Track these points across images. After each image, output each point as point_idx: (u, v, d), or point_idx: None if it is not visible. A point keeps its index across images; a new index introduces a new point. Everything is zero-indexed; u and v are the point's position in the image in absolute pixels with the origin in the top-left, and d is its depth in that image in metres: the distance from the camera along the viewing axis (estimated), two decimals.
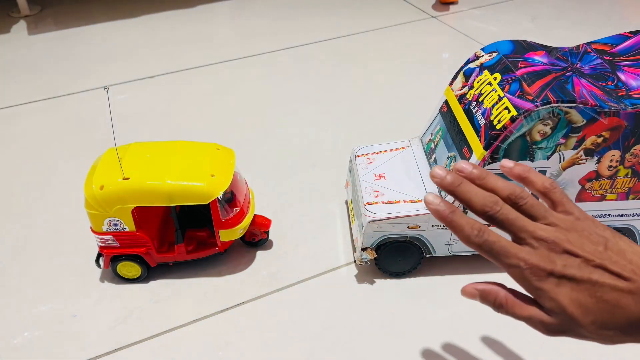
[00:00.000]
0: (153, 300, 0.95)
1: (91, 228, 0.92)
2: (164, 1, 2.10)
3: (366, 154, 1.04)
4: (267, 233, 1.03)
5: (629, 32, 0.95)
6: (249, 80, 1.60)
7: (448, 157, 0.92)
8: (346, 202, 1.06)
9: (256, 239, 1.03)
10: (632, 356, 0.85)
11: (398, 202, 0.92)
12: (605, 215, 0.92)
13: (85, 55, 1.74)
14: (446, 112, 0.97)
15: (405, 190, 0.94)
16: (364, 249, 0.93)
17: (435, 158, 0.97)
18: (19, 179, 1.23)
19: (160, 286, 0.97)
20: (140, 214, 0.92)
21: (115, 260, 0.95)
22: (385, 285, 0.96)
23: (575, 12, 1.95)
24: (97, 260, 0.97)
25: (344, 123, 1.39)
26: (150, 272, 0.98)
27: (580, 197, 0.89)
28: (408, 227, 0.91)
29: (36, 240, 1.07)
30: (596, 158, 0.85)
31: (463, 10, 1.99)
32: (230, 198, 0.94)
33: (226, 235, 0.94)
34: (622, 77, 0.88)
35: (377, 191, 0.95)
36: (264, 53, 1.74)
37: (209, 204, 0.89)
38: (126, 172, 0.88)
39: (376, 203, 0.92)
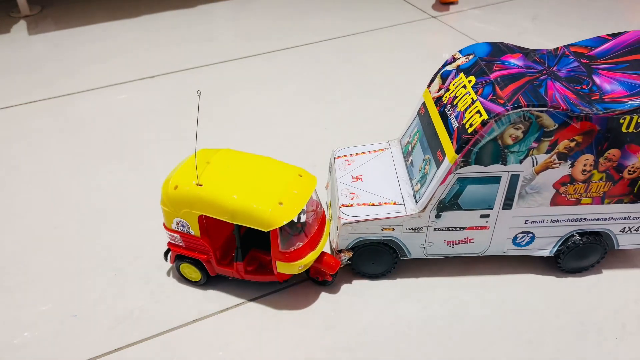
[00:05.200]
0: (153, 300, 0.95)
1: (164, 223, 0.93)
2: (164, 1, 2.10)
3: (345, 156, 1.04)
4: (333, 276, 0.95)
5: (608, 35, 0.95)
6: (249, 80, 1.60)
7: (423, 160, 0.92)
8: (327, 203, 1.06)
9: (320, 278, 0.96)
10: (632, 356, 0.86)
11: (373, 204, 0.92)
12: (581, 220, 0.91)
13: (85, 55, 1.75)
14: (424, 114, 0.97)
15: (381, 193, 0.94)
16: (339, 251, 0.94)
17: (412, 160, 0.97)
18: (19, 178, 1.24)
19: (160, 286, 0.97)
20: (210, 222, 0.91)
21: (179, 259, 0.95)
22: (386, 285, 0.96)
23: (575, 12, 1.94)
24: (165, 254, 0.98)
25: (344, 123, 1.40)
26: (154, 272, 0.99)
27: (555, 201, 0.89)
28: (382, 230, 0.91)
29: (36, 240, 1.08)
30: (570, 162, 0.85)
31: (463, 10, 1.98)
32: (300, 229, 0.90)
33: (284, 268, 0.90)
34: (597, 80, 0.87)
35: (353, 193, 0.95)
36: (264, 53, 1.74)
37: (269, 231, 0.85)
38: (202, 178, 0.87)
39: (351, 205, 0.93)
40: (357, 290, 0.96)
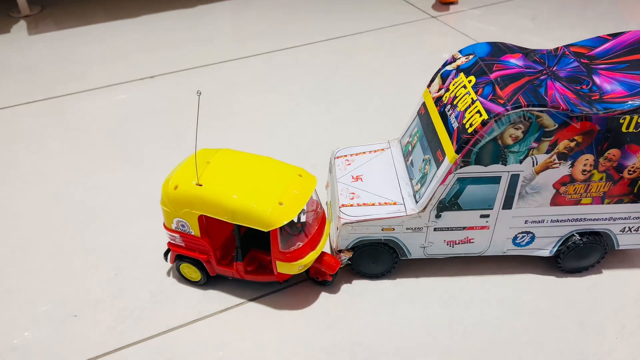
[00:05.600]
0: (153, 300, 0.95)
1: (164, 223, 0.93)
2: (164, 1, 2.10)
3: (345, 156, 1.04)
4: (333, 276, 0.95)
5: (608, 35, 0.95)
6: (249, 80, 1.60)
7: (423, 160, 0.92)
8: (327, 203, 1.06)
9: (320, 278, 0.96)
10: (632, 356, 0.86)
11: (373, 204, 0.92)
12: (581, 220, 0.91)
13: (85, 55, 1.75)
14: (424, 114, 0.97)
15: (381, 193, 0.94)
16: (339, 251, 0.94)
17: (412, 160, 0.97)
18: (19, 179, 1.24)
19: (160, 286, 0.97)
20: (210, 222, 0.90)
21: (179, 259, 0.95)
22: (386, 285, 0.97)
23: (575, 12, 1.94)
24: (165, 254, 0.98)
25: (344, 123, 1.40)
26: (154, 272, 0.99)
27: (555, 201, 0.89)
28: (382, 230, 0.91)
29: (36, 240, 1.08)
30: (570, 162, 0.85)
31: (463, 10, 1.99)
32: (300, 229, 0.90)
33: (283, 268, 0.90)
34: (597, 80, 0.87)
35: (354, 193, 0.95)
36: (264, 53, 1.74)
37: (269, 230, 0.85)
38: (202, 178, 0.87)
39: (351, 205, 0.93)
40: (357, 290, 0.96)
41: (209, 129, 1.37)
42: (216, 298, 0.95)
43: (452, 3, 2.02)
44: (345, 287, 0.96)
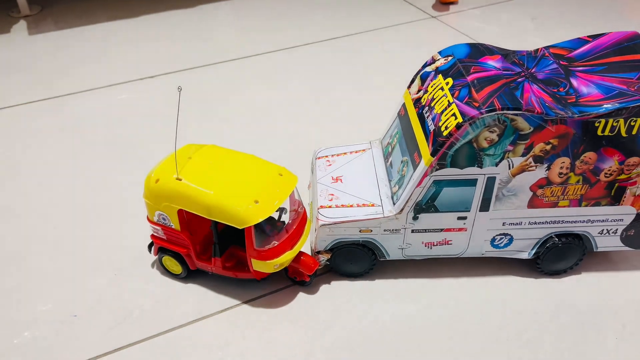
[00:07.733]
0: (153, 300, 0.96)
1: (147, 216, 0.94)
2: (164, 1, 2.11)
3: (326, 156, 1.04)
4: (311, 277, 0.95)
5: (588, 36, 0.94)
6: (249, 80, 1.61)
7: (402, 162, 0.93)
8: (309, 203, 1.07)
9: (297, 278, 0.96)
10: (632, 356, 0.86)
11: (351, 205, 0.92)
12: (558, 222, 0.91)
13: (85, 55, 1.76)
14: (403, 115, 0.98)
15: (360, 194, 0.94)
16: (318, 252, 0.94)
17: (391, 162, 0.97)
18: (19, 178, 1.25)
19: (160, 286, 0.98)
20: (191, 216, 0.91)
21: (162, 251, 0.97)
22: (386, 286, 0.97)
23: (575, 12, 1.92)
24: (149, 247, 1.00)
25: (344, 123, 1.40)
26: (154, 272, 1.00)
27: (532, 204, 0.89)
28: (360, 231, 0.91)
29: (36, 240, 1.08)
30: (546, 165, 0.84)
31: (463, 10, 1.98)
32: (280, 228, 0.91)
33: (259, 266, 0.90)
34: (575, 83, 0.87)
35: (332, 194, 0.95)
36: (264, 53, 1.75)
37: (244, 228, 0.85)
38: (183, 172, 0.88)
39: (330, 207, 0.93)
40: (357, 291, 0.96)
41: (208, 129, 1.38)
42: (216, 298, 0.95)
43: (452, 3, 2.02)
44: (345, 287, 0.97)
